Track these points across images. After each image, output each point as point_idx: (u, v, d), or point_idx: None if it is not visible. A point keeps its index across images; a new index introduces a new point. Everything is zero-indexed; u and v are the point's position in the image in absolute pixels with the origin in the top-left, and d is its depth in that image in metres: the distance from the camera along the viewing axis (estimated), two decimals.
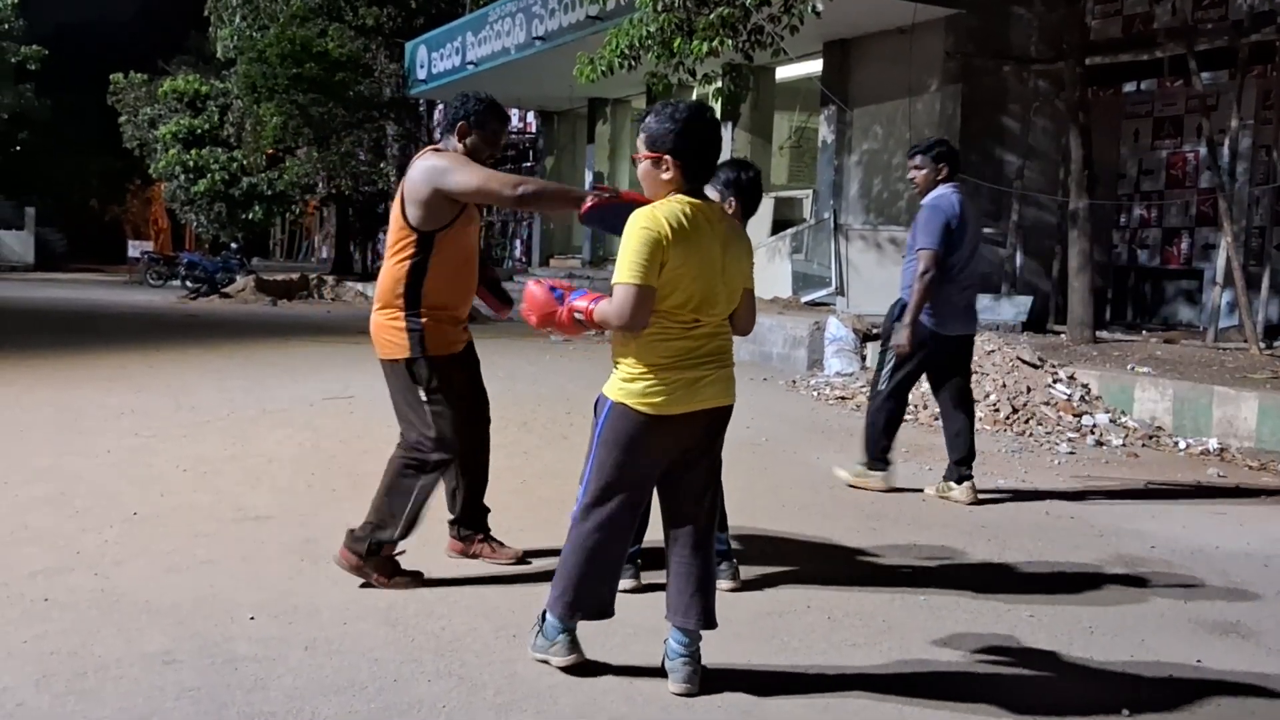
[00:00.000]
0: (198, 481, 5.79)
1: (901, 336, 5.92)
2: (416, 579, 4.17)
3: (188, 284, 25.05)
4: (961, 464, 5.94)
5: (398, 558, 4.19)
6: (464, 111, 4.23)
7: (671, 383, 3.19)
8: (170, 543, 4.61)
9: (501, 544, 4.57)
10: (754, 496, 5.83)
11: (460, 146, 4.23)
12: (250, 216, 33.04)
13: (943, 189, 5.92)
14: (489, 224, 27.09)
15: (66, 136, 46.98)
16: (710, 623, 3.32)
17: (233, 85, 28.75)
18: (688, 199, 3.20)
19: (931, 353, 5.98)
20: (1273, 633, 3.96)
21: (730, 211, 3.94)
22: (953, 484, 5.95)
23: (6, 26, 40.80)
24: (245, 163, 30.52)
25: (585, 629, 3.60)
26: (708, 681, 3.28)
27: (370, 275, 27.93)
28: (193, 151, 30.75)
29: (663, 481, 3.39)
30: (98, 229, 51.24)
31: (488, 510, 4.58)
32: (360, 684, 3.24)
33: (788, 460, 6.95)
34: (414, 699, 3.15)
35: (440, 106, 28.53)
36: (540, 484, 5.99)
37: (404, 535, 4.16)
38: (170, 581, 4.11)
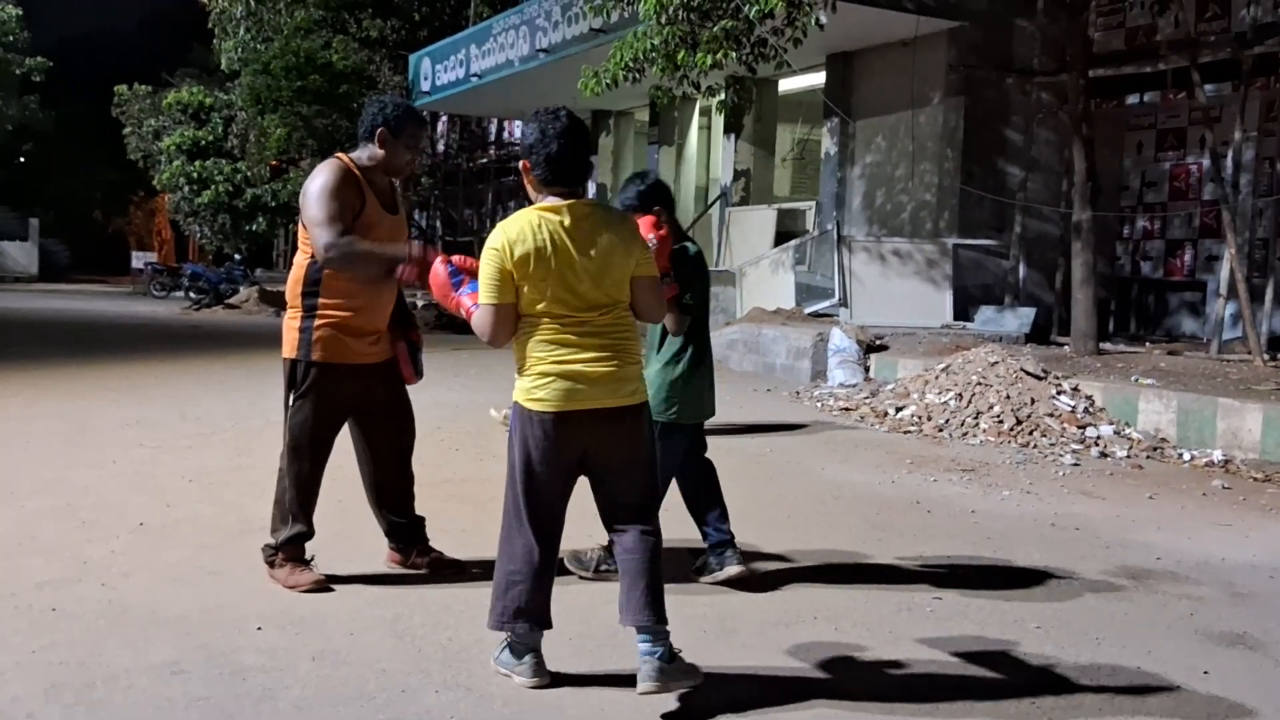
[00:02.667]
0: (204, 493, 5.80)
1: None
2: (321, 585, 4.20)
3: (191, 295, 25.11)
4: None
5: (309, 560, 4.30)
6: (382, 118, 4.24)
7: (553, 376, 3.25)
8: (177, 554, 4.62)
9: (440, 553, 4.55)
10: (760, 507, 5.83)
11: (379, 153, 4.24)
12: (254, 228, 33.13)
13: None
14: (470, 242, 27.10)
15: (71, 148, 47.11)
16: (658, 617, 3.25)
17: (237, 97, 28.85)
18: (545, 204, 3.30)
19: None
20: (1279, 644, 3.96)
21: (664, 219, 4.10)
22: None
23: (11, 39, 40.93)
24: (249, 174, 30.61)
25: (592, 639, 3.62)
26: (715, 689, 3.28)
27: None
28: (197, 163, 30.85)
29: (592, 485, 3.43)
30: (102, 240, 51.36)
31: (422, 520, 4.56)
32: (368, 695, 3.24)
33: (792, 471, 6.95)
34: (422, 709, 3.15)
35: (444, 118, 28.64)
36: None
37: (291, 530, 4.23)
38: (177, 592, 4.11)
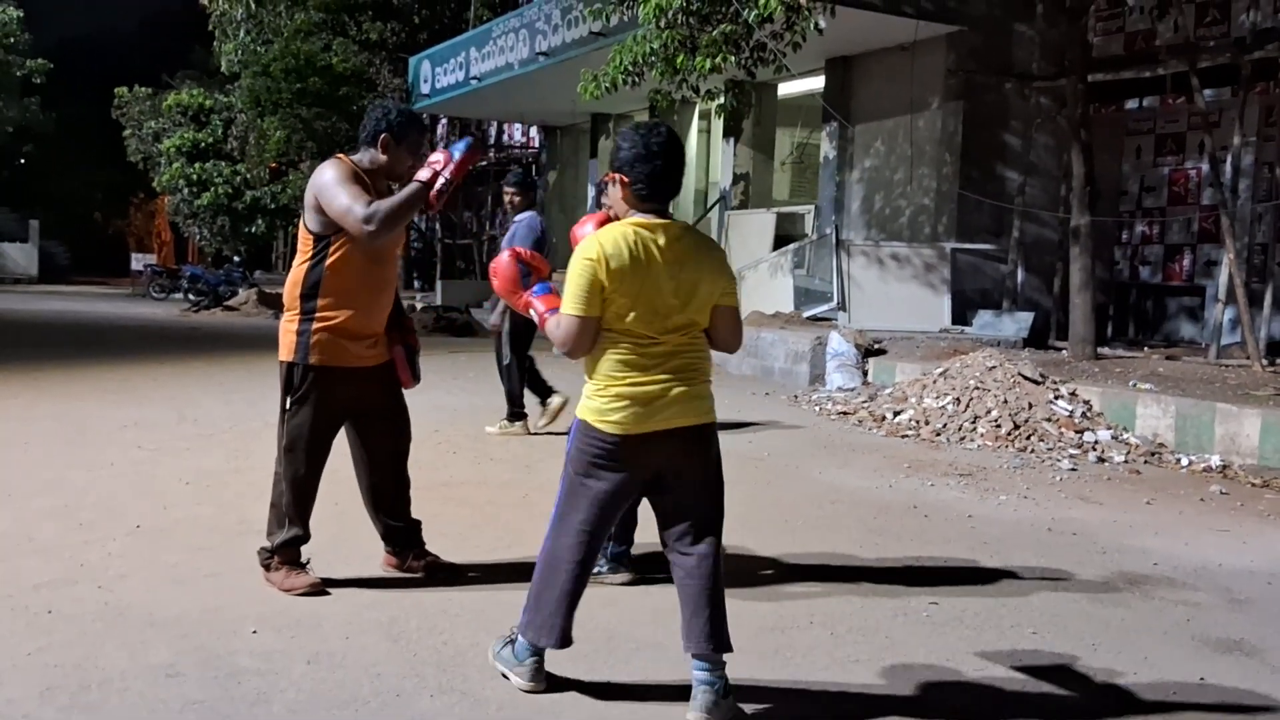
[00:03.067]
0: (201, 494, 5.80)
1: (496, 319, 8.01)
2: (316, 588, 4.20)
3: (190, 297, 25.12)
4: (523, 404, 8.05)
5: (306, 565, 4.29)
6: (386, 123, 4.25)
7: (628, 400, 3.19)
8: (174, 556, 4.61)
9: (436, 557, 4.55)
10: (756, 510, 5.83)
11: (382, 158, 4.25)
12: (253, 230, 33.13)
13: (529, 213, 7.92)
14: (491, 238, 27.13)
15: (71, 150, 47.15)
16: (720, 645, 3.20)
17: (236, 99, 28.87)
18: (639, 220, 3.24)
19: (523, 331, 7.87)
20: (1277, 650, 3.96)
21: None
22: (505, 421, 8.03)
23: (12, 40, 40.95)
24: (248, 176, 30.63)
25: (589, 643, 3.62)
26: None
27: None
28: (196, 165, 30.87)
29: (654, 505, 3.38)
30: (101, 242, 51.38)
31: (418, 524, 4.55)
32: (363, 699, 3.24)
33: (790, 475, 6.95)
34: (417, 714, 3.15)
35: (444, 121, 28.65)
36: (543, 498, 5.95)
37: (287, 534, 4.24)
38: (174, 594, 4.11)
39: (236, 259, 28.98)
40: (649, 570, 4.37)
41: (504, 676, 3.37)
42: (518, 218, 7.97)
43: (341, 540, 4.82)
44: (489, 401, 9.26)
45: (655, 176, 3.24)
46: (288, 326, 4.23)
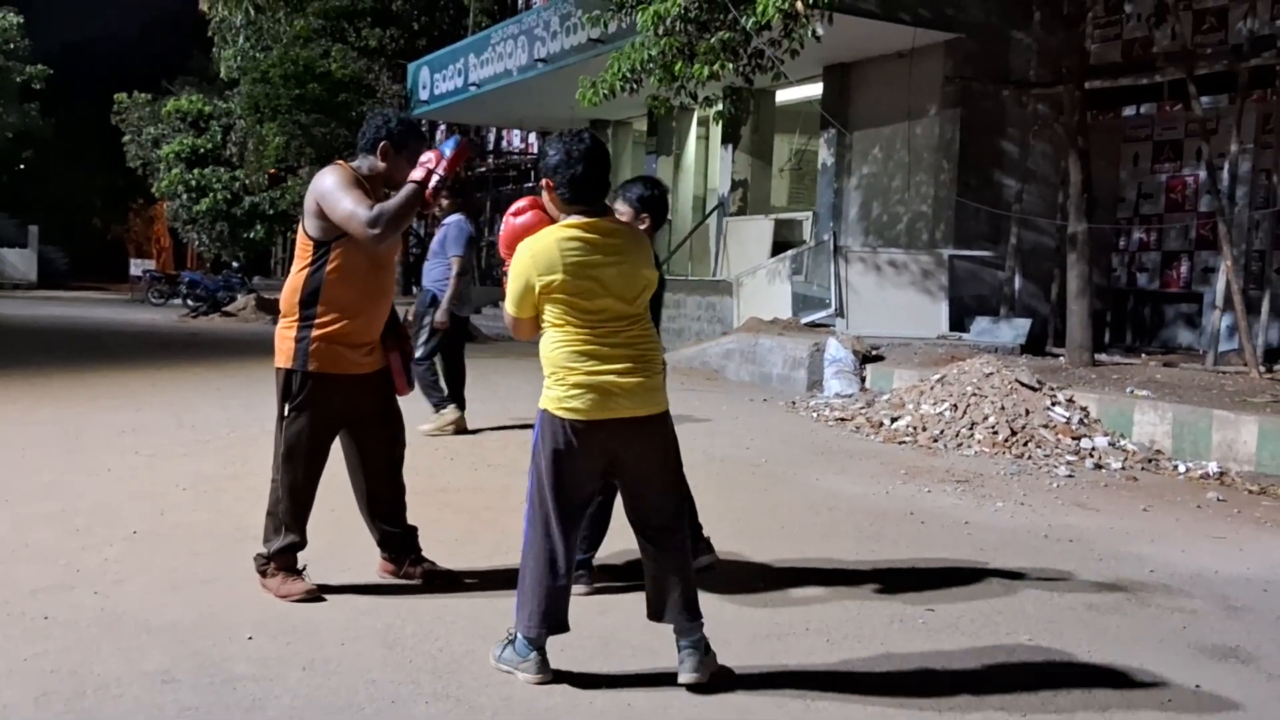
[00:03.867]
0: (198, 500, 5.80)
1: (442, 316, 8.12)
2: (313, 594, 4.20)
3: (189, 302, 25.11)
4: (456, 399, 8.32)
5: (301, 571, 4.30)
6: (386, 131, 4.28)
7: (585, 389, 3.40)
8: (170, 561, 4.61)
9: (433, 564, 4.55)
10: (753, 517, 5.84)
11: (381, 165, 4.27)
12: (252, 235, 33.13)
13: (457, 216, 8.34)
14: (490, 244, 27.12)
15: (70, 155, 47.16)
16: (694, 615, 3.46)
17: (236, 105, 28.89)
18: (571, 223, 3.47)
19: (453, 327, 8.26)
20: (1272, 657, 3.96)
21: (643, 226, 4.24)
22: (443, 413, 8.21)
23: (12, 46, 40.98)
24: (247, 182, 30.65)
25: (584, 650, 3.63)
26: (703, 704, 3.29)
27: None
28: (195, 171, 30.90)
29: (622, 489, 3.62)
30: (100, 247, 51.37)
31: (414, 530, 4.56)
32: (358, 705, 3.24)
33: (787, 481, 6.95)
34: None
35: (442, 127, 28.68)
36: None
37: (284, 540, 4.24)
38: (170, 600, 4.11)
39: (235, 265, 28.97)
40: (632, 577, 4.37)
41: (509, 674, 3.45)
42: (446, 220, 8.39)
43: (338, 547, 4.82)
44: (487, 407, 9.27)
45: (579, 181, 3.46)
46: (285, 333, 4.24)
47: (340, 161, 4.30)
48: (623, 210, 4.25)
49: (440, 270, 8.22)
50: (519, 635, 3.46)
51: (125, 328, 19.88)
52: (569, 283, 3.38)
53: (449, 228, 8.26)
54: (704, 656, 3.42)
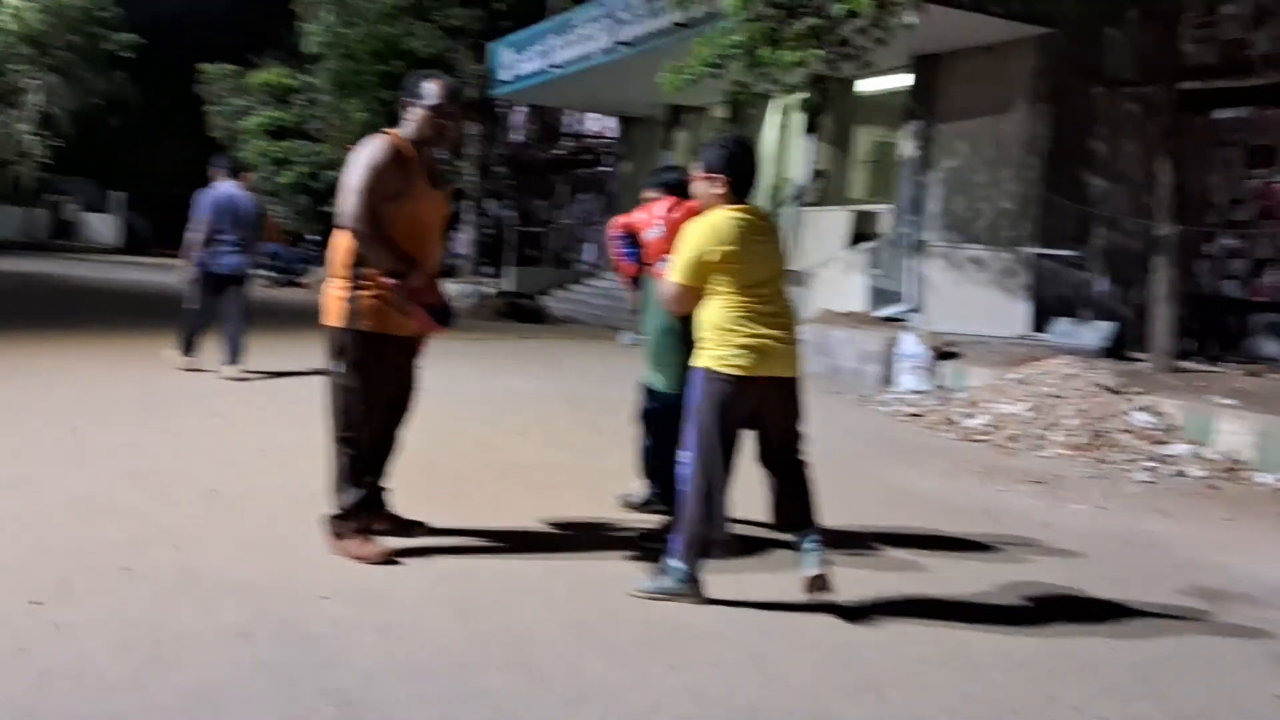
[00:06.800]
0: (276, 465, 5.88)
1: (188, 272, 9.32)
2: (388, 557, 4.26)
3: (268, 273, 25.49)
4: (237, 355, 9.07)
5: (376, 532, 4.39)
6: (410, 91, 4.37)
7: (747, 349, 3.95)
8: (248, 523, 4.68)
9: (401, 517, 4.63)
10: (823, 509, 5.77)
11: (427, 130, 4.34)
12: (331, 209, 33.47)
13: (222, 183, 9.31)
14: (565, 227, 27.23)
15: (156, 124, 48.02)
16: (818, 521, 4.14)
17: (320, 80, 29.19)
18: (736, 208, 4.07)
19: (213, 280, 9.17)
20: None
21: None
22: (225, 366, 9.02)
23: (105, 14, 41.82)
24: (329, 157, 30.98)
25: (657, 632, 3.62)
26: (771, 690, 3.27)
27: (445, 272, 28.20)
28: (278, 144, 31.27)
29: (760, 435, 4.14)
30: (182, 216, 52.24)
31: (385, 489, 4.63)
32: (431, 669, 3.26)
33: (858, 474, 6.87)
34: (483, 688, 3.16)
35: (525, 110, 28.80)
36: (610, 483, 5.95)
37: (354, 499, 4.32)
38: (247, 560, 4.18)
39: (314, 238, 29.35)
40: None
41: (667, 600, 3.96)
42: (217, 186, 9.35)
43: (411, 517, 4.84)
44: (559, 387, 9.30)
45: (741, 175, 4.13)
46: (336, 293, 4.29)
47: (391, 132, 4.35)
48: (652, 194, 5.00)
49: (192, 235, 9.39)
50: (680, 566, 3.97)
51: None
52: (737, 253, 3.96)
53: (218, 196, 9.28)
54: (823, 555, 4.01)
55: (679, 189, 4.92)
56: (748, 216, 4.03)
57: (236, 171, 9.62)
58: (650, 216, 4.91)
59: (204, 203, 9.26)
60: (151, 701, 2.92)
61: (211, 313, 9.28)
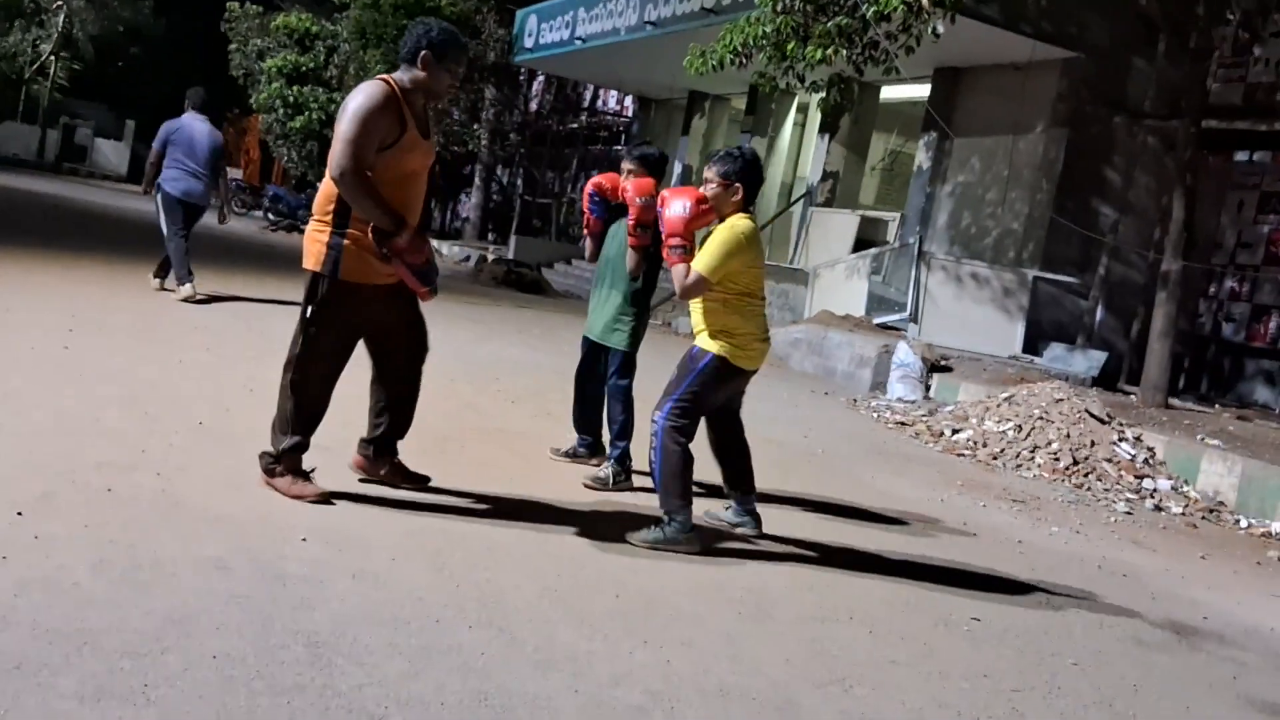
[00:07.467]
0: (264, 403, 5.83)
1: (147, 189, 9.86)
2: (324, 498, 4.25)
3: (270, 216, 25.41)
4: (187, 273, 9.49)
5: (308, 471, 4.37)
6: (427, 40, 4.26)
7: (755, 348, 4.64)
8: (232, 458, 4.67)
9: (407, 469, 4.67)
10: (806, 504, 5.80)
11: (422, 75, 4.27)
12: None
13: (188, 117, 9.76)
14: (570, 201, 27.14)
15: (176, 57, 47.76)
16: (753, 485, 4.97)
17: (343, 28, 29.06)
18: (749, 217, 4.61)
19: (181, 204, 9.56)
20: None
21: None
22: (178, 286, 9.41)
23: None
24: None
25: (630, 606, 3.63)
26: (740, 674, 3.28)
27: (448, 234, 28.12)
28: (295, 88, 31.11)
29: (720, 411, 4.88)
30: None
31: (400, 436, 4.65)
32: (403, 620, 3.26)
33: (843, 475, 6.90)
34: (454, 643, 3.17)
35: (540, 77, 28.68)
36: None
37: (291, 440, 4.28)
38: (229, 494, 4.17)
39: (319, 185, 29.25)
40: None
41: (669, 551, 4.38)
42: (185, 119, 9.75)
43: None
44: (554, 360, 9.29)
45: (753, 187, 4.67)
46: (317, 236, 4.23)
47: (385, 78, 4.28)
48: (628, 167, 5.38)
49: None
50: (675, 520, 4.44)
51: (206, 231, 20.11)
52: (758, 260, 4.58)
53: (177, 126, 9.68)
54: (757, 524, 4.89)
55: (657, 166, 5.38)
56: (756, 228, 4.59)
57: (206, 105, 9.95)
58: (633, 190, 5.20)
59: (161, 131, 9.65)
60: (124, 621, 2.92)
61: (188, 232, 9.65)
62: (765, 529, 4.96)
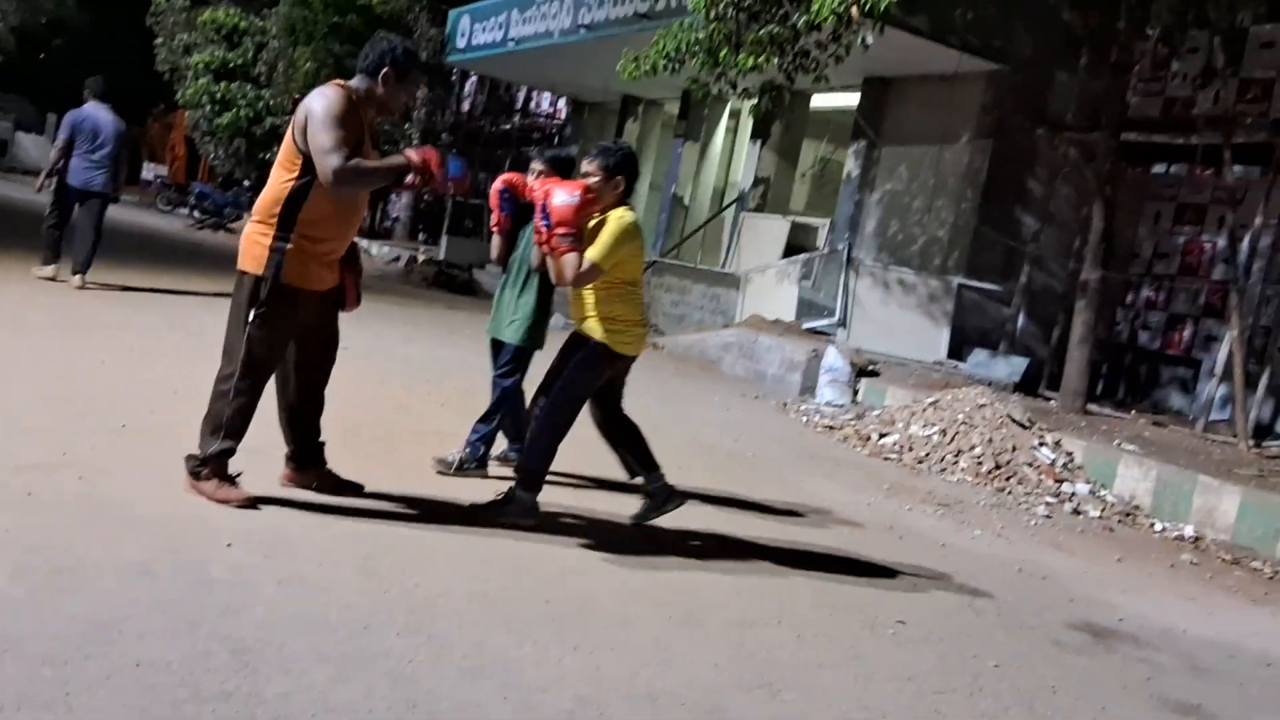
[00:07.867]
0: (188, 403, 5.74)
1: (45, 182, 10.27)
2: (250, 503, 4.22)
3: (196, 214, 25.01)
4: (86, 266, 9.75)
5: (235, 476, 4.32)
6: (391, 58, 4.28)
7: (636, 333, 4.82)
8: (157, 459, 4.60)
9: (339, 477, 4.66)
10: (736, 506, 5.85)
11: (379, 91, 4.29)
12: (267, 156, 32.89)
13: (90, 106, 9.97)
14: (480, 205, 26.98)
15: (101, 51, 46.76)
16: (655, 462, 5.06)
17: (272, 25, 28.69)
18: (631, 208, 4.80)
19: (74, 195, 9.89)
20: None
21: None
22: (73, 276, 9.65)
23: None
24: (271, 103, 30.43)
25: (561, 609, 3.64)
26: (669, 679, 3.31)
27: (376, 234, 27.87)
28: (222, 84, 30.65)
29: (603, 389, 4.94)
30: None
31: (322, 444, 4.65)
32: (330, 625, 3.25)
33: (772, 478, 6.96)
34: (382, 649, 3.15)
35: (473, 78, 28.53)
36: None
37: (221, 445, 4.23)
38: (153, 496, 4.11)
39: (246, 183, 28.82)
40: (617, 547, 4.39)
41: (517, 526, 4.55)
42: (86, 109, 10.01)
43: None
44: (485, 363, 9.24)
45: (633, 180, 4.85)
46: (259, 239, 4.18)
47: (340, 82, 4.27)
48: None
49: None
50: (525, 493, 4.70)
51: (131, 229, 19.76)
52: (641, 251, 4.79)
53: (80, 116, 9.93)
54: (675, 497, 5.01)
55: (566, 169, 5.36)
56: (638, 219, 4.80)
57: (105, 94, 10.14)
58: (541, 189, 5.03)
59: (65, 122, 9.81)
60: (45, 627, 2.87)
61: (63, 223, 9.93)
62: (695, 529, 4.99)
